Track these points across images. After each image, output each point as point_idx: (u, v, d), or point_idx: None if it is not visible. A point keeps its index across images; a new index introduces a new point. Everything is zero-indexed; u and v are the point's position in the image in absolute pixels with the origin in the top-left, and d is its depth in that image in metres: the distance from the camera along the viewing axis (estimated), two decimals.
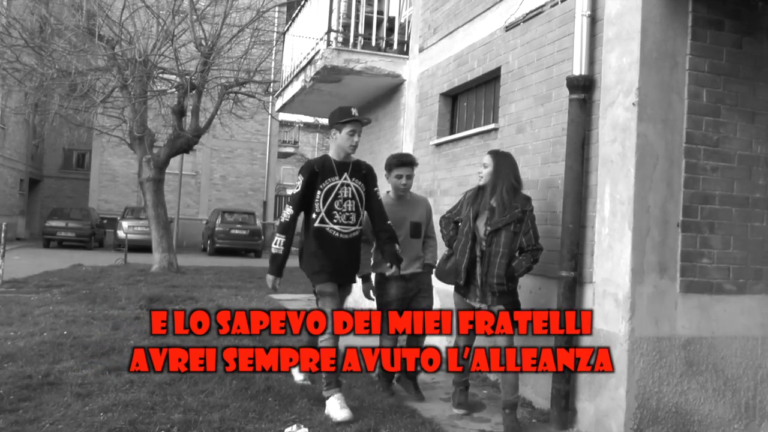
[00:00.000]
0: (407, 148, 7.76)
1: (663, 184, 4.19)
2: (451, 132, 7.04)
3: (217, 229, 23.63)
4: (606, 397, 4.21)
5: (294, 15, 10.31)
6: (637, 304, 4.09)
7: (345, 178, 4.60)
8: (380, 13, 8.53)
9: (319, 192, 4.53)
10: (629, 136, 4.18)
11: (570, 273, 4.45)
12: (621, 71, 4.29)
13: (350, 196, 4.59)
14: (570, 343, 4.40)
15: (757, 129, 4.43)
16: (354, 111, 4.62)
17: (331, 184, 4.55)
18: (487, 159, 4.56)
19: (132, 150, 15.57)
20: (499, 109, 5.82)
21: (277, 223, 4.60)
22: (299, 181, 4.58)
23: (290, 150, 37.61)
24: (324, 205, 4.52)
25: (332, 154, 4.67)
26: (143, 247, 19.51)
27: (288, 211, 4.60)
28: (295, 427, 3.96)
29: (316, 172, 4.56)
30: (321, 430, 3.99)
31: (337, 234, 4.53)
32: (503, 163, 4.51)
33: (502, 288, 4.32)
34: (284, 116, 28.24)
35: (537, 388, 4.87)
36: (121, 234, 21.66)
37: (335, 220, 4.53)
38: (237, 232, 23.78)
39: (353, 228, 4.60)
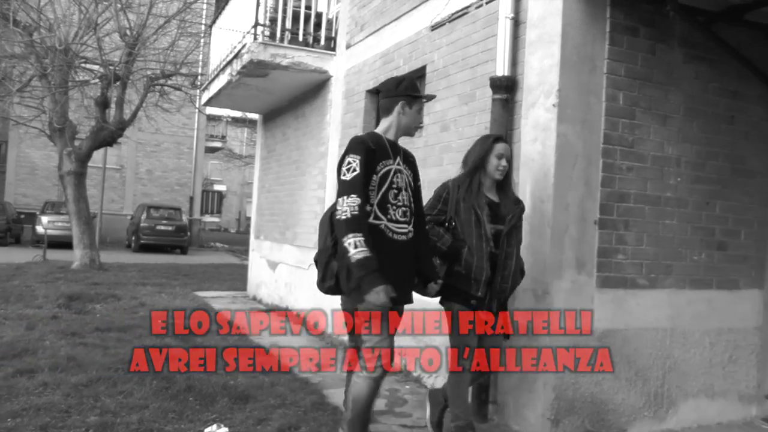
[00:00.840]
0: (333, 144, 7.74)
1: (581, 183, 4.32)
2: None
3: (142, 224, 22.92)
4: (524, 389, 4.31)
5: (221, 7, 10.12)
6: (555, 299, 4.21)
7: (399, 163, 3.55)
8: (308, 8, 8.46)
9: (374, 176, 3.41)
10: (550, 136, 4.29)
11: None
12: (542, 73, 4.39)
13: (404, 186, 3.54)
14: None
15: (668, 131, 4.63)
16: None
17: (386, 168, 3.47)
18: (507, 149, 3.99)
19: (52, 142, 14.93)
20: (424, 108, 5.86)
21: (339, 219, 3.29)
22: (353, 162, 3.35)
23: (218, 144, 36.85)
24: (378, 194, 3.42)
25: (385, 131, 3.63)
26: (64, 243, 18.70)
27: (351, 201, 3.28)
28: (215, 426, 3.90)
29: (372, 150, 3.42)
30: (242, 429, 3.95)
31: (392, 234, 3.43)
32: (511, 153, 4.08)
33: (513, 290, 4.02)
34: (212, 110, 27.72)
35: None
36: (40, 229, 20.76)
37: (389, 216, 3.44)
38: (163, 228, 23.12)
39: (409, 228, 3.53)
